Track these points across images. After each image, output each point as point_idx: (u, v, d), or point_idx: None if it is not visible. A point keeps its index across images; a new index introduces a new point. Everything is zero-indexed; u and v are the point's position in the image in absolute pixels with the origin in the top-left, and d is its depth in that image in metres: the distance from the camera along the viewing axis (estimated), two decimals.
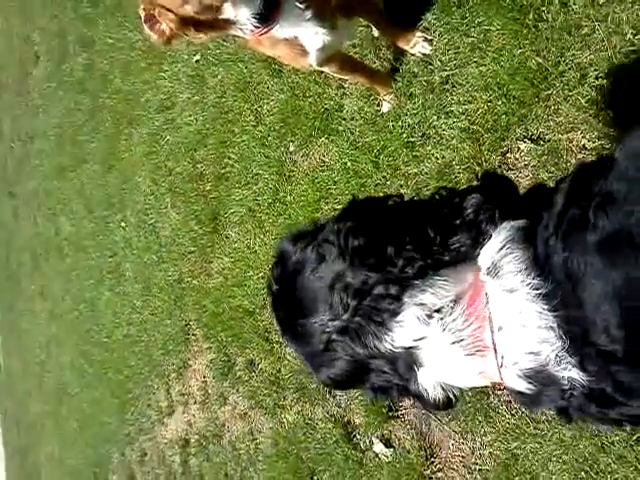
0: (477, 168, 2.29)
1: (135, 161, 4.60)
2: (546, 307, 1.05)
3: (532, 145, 2.17)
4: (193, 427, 3.96)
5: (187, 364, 3.98)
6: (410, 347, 1.16)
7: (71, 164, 5.85)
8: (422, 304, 1.14)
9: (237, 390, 3.52)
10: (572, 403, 1.09)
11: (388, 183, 2.61)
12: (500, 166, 2.25)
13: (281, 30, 1.96)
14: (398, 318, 1.14)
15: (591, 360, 1.03)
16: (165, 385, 4.25)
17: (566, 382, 1.07)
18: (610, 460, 1.94)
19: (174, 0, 1.74)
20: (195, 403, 3.93)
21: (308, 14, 1.96)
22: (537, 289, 1.06)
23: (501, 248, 1.13)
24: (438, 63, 2.44)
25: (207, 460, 3.80)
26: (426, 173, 2.46)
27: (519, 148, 2.21)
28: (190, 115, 3.93)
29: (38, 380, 7.10)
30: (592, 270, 1.00)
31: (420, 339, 1.14)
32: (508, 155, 2.25)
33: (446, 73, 2.42)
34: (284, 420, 3.16)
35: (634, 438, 1.89)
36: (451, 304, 1.14)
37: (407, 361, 1.17)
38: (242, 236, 3.44)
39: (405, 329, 1.14)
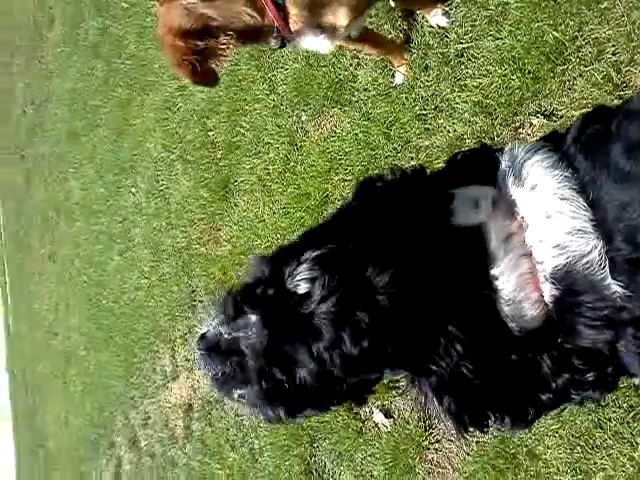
0: (489, 142, 2.28)
1: (147, 127, 4.61)
2: (575, 195, 0.98)
3: (545, 120, 2.15)
4: (197, 392, 4.01)
5: (193, 330, 4.02)
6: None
7: (83, 129, 5.86)
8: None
9: None
10: (617, 319, 0.97)
11: (399, 155, 2.60)
12: (512, 141, 2.24)
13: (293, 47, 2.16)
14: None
15: (618, 268, 0.96)
16: (170, 350, 4.30)
17: (606, 288, 0.97)
18: (606, 436, 1.96)
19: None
20: (199, 369, 3.97)
21: (319, 34, 2.07)
22: (565, 180, 1.00)
23: (519, 158, 1.05)
24: (454, 35, 2.42)
25: (209, 425, 3.86)
26: (437, 146, 2.45)
27: (532, 123, 2.20)
28: None
29: (46, 342, 7.21)
30: (618, 175, 0.95)
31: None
32: (520, 130, 2.23)
33: (462, 46, 2.40)
34: None
35: (630, 415, 1.90)
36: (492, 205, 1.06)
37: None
38: (251, 205, 3.45)
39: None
